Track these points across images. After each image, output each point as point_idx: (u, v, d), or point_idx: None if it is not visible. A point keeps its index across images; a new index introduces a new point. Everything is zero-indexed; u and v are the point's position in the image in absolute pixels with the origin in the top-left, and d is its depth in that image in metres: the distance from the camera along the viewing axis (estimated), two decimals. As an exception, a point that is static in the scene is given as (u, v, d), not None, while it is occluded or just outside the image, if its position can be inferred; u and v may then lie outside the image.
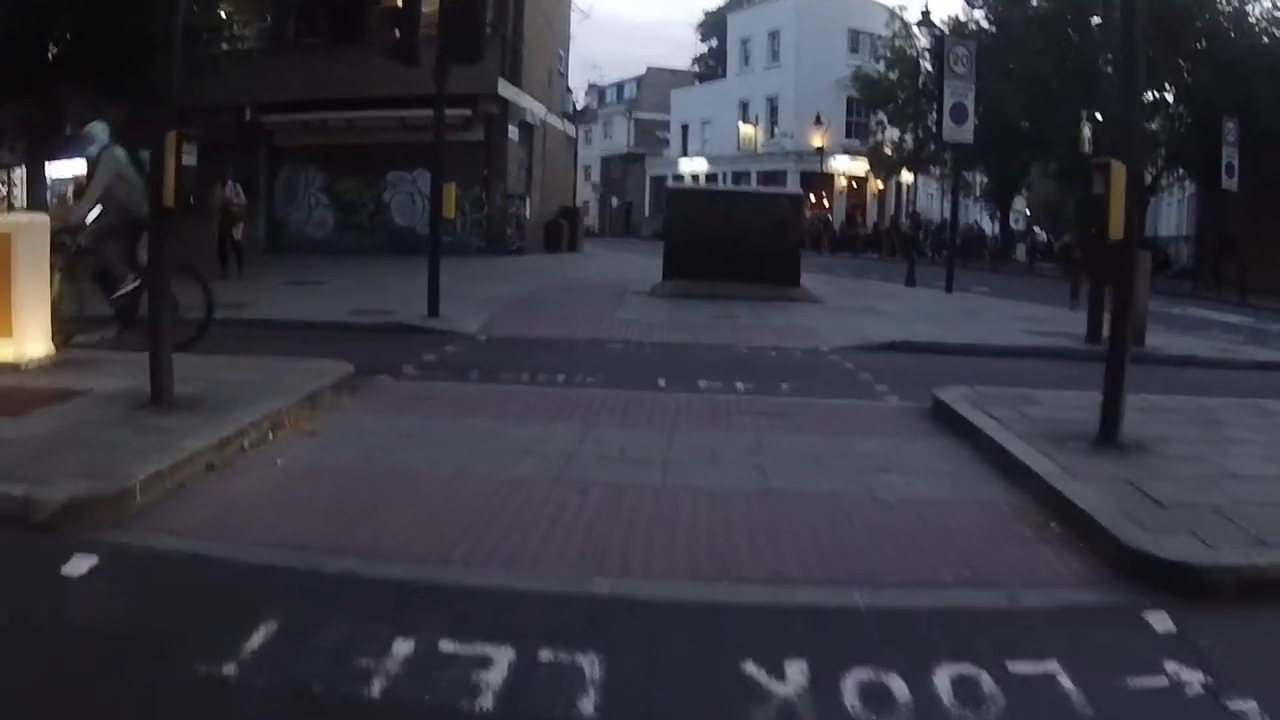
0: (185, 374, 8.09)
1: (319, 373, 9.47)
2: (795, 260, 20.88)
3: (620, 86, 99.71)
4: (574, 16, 47.96)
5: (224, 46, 27.91)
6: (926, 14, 35.70)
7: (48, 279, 9.54)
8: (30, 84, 23.90)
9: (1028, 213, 72.59)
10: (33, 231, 9.28)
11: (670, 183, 47.92)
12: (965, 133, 24.87)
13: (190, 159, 8.02)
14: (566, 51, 46.84)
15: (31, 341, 9.20)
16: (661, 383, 10.94)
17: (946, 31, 48.39)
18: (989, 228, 61.70)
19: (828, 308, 19.48)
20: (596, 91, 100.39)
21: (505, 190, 33.16)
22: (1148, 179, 46.83)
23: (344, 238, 34.06)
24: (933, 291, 25.08)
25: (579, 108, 52.62)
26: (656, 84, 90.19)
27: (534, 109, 37.15)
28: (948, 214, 66.60)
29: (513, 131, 33.75)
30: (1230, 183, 33.36)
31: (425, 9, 16.04)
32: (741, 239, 19.85)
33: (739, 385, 10.92)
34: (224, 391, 8.22)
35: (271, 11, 34.38)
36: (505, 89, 32.66)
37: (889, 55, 53.15)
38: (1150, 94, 43.26)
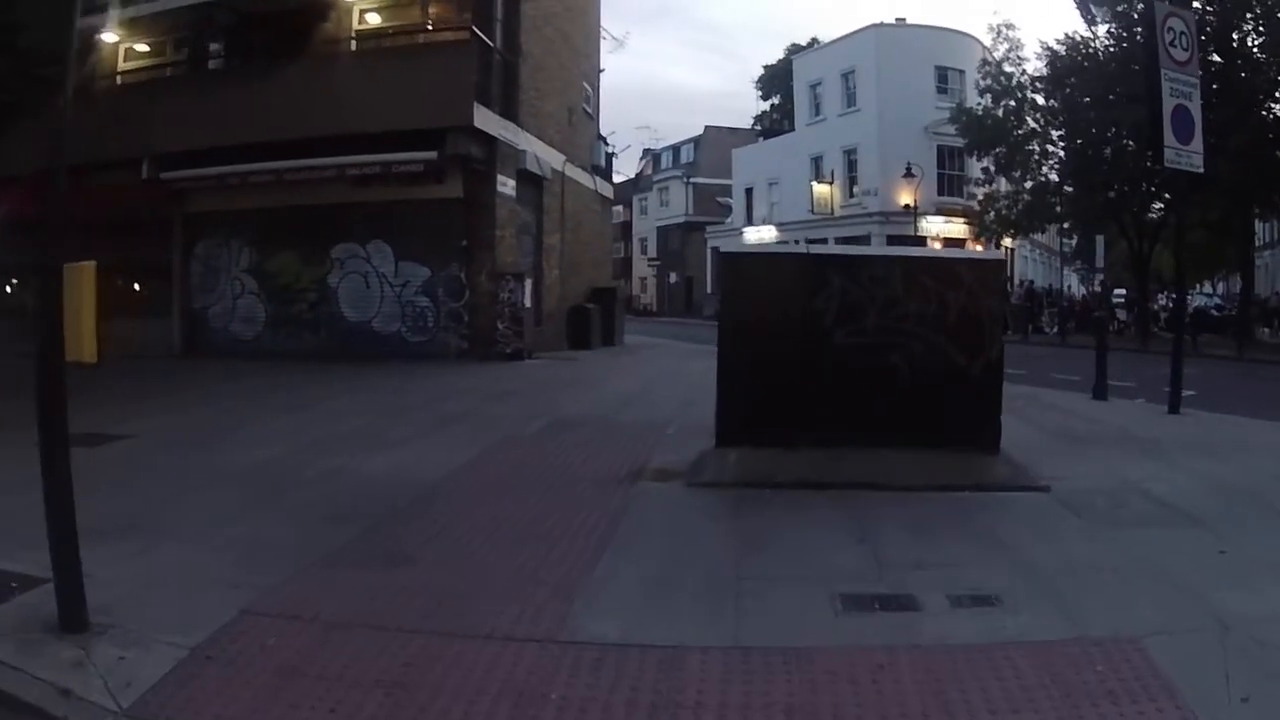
0: None
1: None
2: (993, 396, 10.37)
3: (676, 150, 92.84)
4: (605, 46, 37.23)
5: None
6: None
7: None
8: None
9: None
10: None
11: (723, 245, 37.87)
12: (1193, 156, 14.85)
13: None
14: (596, 87, 35.43)
15: None
16: None
17: (1062, 51, 39.80)
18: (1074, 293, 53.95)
19: (1069, 505, 8.64)
20: (651, 157, 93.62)
21: (493, 267, 22.99)
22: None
23: (278, 337, 24.44)
24: (1135, 406, 16.41)
25: (613, 164, 40.86)
26: (716, 145, 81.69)
27: (543, 156, 26.82)
28: (1052, 283, 59.91)
29: (506, 184, 23.61)
30: None
31: None
32: (878, 356, 10.09)
33: None
34: None
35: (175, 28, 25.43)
36: (490, 121, 22.70)
37: (996, 85, 43.29)
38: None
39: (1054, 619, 5.83)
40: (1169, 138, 14.64)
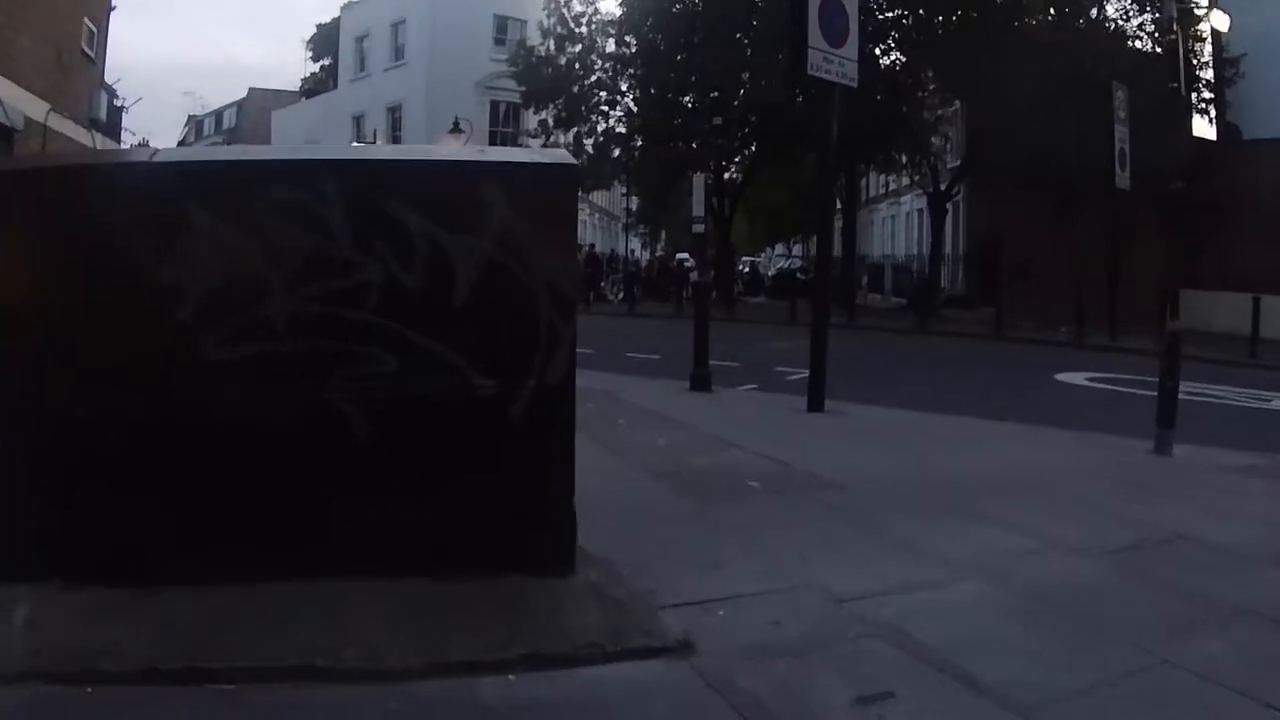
0: None
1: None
2: (558, 454, 4.80)
3: (219, 115, 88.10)
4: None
5: None
6: None
7: None
8: None
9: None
10: None
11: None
12: (845, 63, 11.71)
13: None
14: (103, 28, 28.90)
15: None
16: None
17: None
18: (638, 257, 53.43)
19: (752, 710, 3.68)
20: (195, 124, 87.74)
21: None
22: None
23: None
24: (753, 401, 13.50)
25: (122, 119, 34.10)
26: (261, 109, 76.50)
27: (14, 102, 21.54)
28: (614, 247, 58.42)
29: (-44, 134, 18.44)
30: (1124, 178, 23.56)
31: None
32: (303, 387, 4.59)
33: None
34: None
35: None
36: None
37: (562, 30, 40.31)
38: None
39: None
40: (814, 37, 11.33)
